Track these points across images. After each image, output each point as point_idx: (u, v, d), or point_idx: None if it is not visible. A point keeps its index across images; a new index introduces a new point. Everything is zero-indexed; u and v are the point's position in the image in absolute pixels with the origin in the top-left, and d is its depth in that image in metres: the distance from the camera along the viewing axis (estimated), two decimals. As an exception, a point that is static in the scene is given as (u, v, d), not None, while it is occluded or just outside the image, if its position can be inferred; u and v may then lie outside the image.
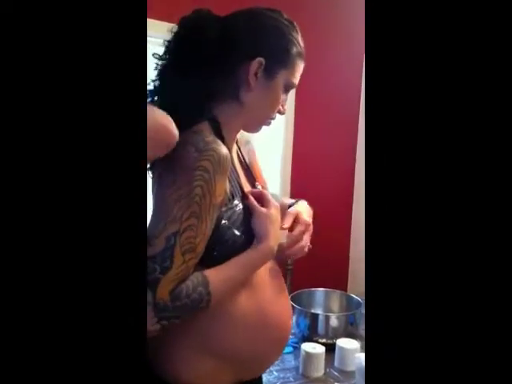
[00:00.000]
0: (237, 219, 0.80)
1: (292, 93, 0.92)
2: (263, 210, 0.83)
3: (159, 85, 0.85)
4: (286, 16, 0.87)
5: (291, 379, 1.40)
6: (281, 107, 0.90)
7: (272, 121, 0.92)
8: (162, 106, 0.77)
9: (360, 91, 2.36)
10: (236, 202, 0.81)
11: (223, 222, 0.78)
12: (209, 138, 0.77)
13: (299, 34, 0.88)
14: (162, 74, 0.85)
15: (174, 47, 0.84)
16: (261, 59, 0.82)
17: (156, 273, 0.70)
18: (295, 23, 0.88)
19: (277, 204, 0.87)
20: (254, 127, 0.92)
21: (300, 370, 1.45)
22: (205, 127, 0.80)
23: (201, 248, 0.75)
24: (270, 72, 0.84)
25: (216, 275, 0.77)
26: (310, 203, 1.00)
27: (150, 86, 0.85)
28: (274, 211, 0.85)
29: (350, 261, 2.49)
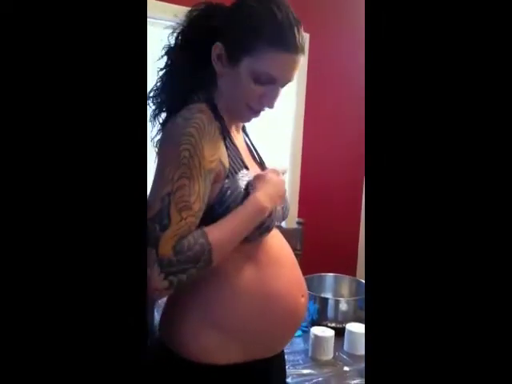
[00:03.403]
0: (241, 192, 0.83)
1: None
2: (260, 172, 0.88)
3: (164, 79, 0.91)
4: (269, 2, 0.82)
5: (300, 362, 1.42)
6: (264, 99, 0.86)
7: (260, 111, 0.90)
8: (168, 95, 0.89)
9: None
10: (240, 175, 0.84)
11: (228, 193, 0.81)
12: (194, 109, 0.81)
13: (280, 20, 0.81)
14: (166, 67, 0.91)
15: (177, 38, 0.90)
16: (218, 44, 0.85)
17: (156, 231, 0.73)
18: (288, 12, 0.82)
19: (277, 171, 0.90)
20: (235, 114, 0.92)
21: (309, 354, 1.46)
22: (199, 106, 0.83)
23: (197, 207, 0.77)
24: (232, 58, 0.84)
25: (213, 227, 0.79)
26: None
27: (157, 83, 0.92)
28: (272, 174, 0.88)
29: (360, 246, 2.50)
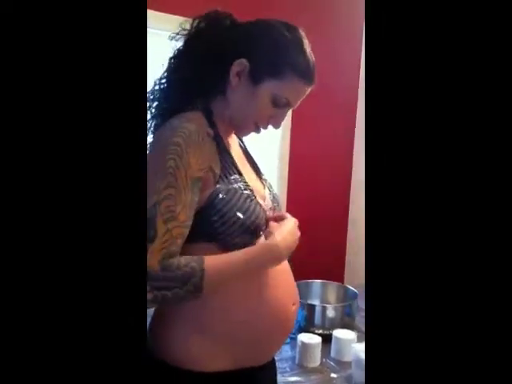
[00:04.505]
0: (233, 198, 0.82)
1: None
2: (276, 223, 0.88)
3: (166, 81, 0.91)
4: (299, 34, 0.88)
5: (288, 369, 1.42)
6: (273, 120, 0.91)
7: (262, 129, 0.93)
8: (165, 101, 0.89)
9: (357, 89, 2.37)
10: (232, 179, 0.84)
11: (220, 196, 0.81)
12: (183, 118, 0.82)
13: (308, 54, 0.87)
14: (171, 68, 0.92)
15: (186, 44, 0.90)
16: (243, 61, 0.86)
17: None
18: (305, 45, 0.88)
19: (294, 219, 0.94)
20: (238, 129, 0.95)
21: (296, 361, 1.46)
22: (189, 114, 0.85)
23: (183, 217, 0.77)
24: (254, 77, 0.86)
25: (214, 258, 0.79)
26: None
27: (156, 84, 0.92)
28: (290, 223, 0.91)
29: (347, 253, 2.51)
